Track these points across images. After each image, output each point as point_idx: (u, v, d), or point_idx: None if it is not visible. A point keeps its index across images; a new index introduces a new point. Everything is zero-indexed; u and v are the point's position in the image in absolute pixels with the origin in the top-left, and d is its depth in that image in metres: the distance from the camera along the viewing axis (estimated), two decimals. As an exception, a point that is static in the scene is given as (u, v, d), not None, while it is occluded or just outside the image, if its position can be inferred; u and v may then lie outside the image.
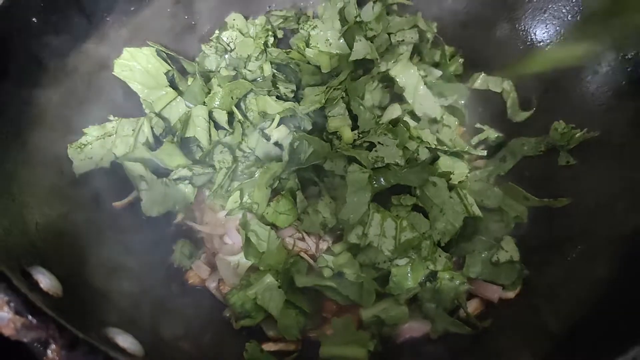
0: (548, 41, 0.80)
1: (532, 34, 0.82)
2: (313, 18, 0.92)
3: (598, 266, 0.60)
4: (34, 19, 0.66)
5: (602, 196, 0.66)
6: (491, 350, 0.61)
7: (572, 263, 0.63)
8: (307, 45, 0.87)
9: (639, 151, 0.64)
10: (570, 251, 0.65)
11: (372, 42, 0.85)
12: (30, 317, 0.40)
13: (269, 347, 0.62)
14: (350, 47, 0.84)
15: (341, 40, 0.85)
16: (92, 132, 0.71)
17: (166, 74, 0.82)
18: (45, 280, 0.47)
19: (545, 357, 0.54)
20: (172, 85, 0.82)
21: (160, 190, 0.70)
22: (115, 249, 0.63)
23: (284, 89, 0.82)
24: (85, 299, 0.52)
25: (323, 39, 0.86)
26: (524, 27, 0.83)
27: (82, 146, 0.69)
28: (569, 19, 0.77)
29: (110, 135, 0.72)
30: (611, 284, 0.56)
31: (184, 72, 0.86)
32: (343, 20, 0.87)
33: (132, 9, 0.80)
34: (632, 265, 0.56)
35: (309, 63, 0.85)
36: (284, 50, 0.84)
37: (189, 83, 0.81)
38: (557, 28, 0.79)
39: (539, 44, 0.81)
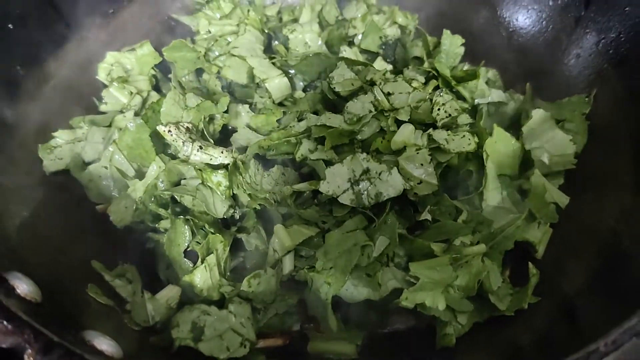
0: (530, 27, 0.79)
1: (514, 20, 0.81)
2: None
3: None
4: (10, 25, 0.66)
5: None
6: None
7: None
8: (287, 48, 0.86)
9: (622, 132, 0.63)
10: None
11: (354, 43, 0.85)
12: (5, 322, 0.40)
13: (258, 344, 0.62)
14: (331, 50, 0.84)
15: (320, 43, 0.85)
16: (62, 136, 0.70)
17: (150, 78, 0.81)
18: (22, 285, 0.46)
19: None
20: (156, 89, 0.81)
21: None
22: (96, 253, 0.62)
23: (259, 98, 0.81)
24: (64, 303, 0.52)
25: (302, 43, 0.85)
26: (505, 14, 0.82)
27: (52, 148, 0.69)
28: (550, 4, 0.77)
29: (80, 141, 0.71)
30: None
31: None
32: (323, 21, 0.87)
33: (110, 11, 0.80)
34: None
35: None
36: (268, 56, 0.83)
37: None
38: (539, 13, 0.79)
39: (521, 31, 0.81)
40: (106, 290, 0.59)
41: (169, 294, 0.59)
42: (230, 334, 0.57)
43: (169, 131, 0.66)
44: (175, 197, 0.65)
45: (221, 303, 0.60)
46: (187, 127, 0.67)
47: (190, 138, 0.66)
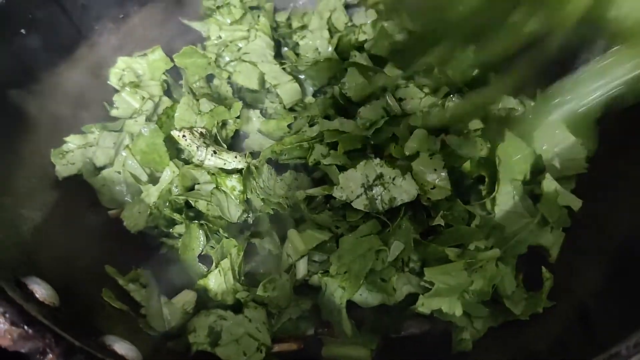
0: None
1: (523, 25, 0.81)
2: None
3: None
4: (22, 30, 0.66)
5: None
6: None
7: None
8: (296, 54, 0.86)
9: (635, 135, 0.64)
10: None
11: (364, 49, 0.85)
12: (26, 327, 0.40)
13: (273, 349, 0.62)
14: (341, 56, 0.84)
15: (330, 49, 0.85)
16: (73, 141, 0.70)
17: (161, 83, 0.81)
18: (41, 290, 0.46)
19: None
20: (167, 94, 0.82)
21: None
22: (110, 257, 0.62)
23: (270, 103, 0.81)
24: (83, 307, 0.52)
25: (312, 49, 0.85)
26: (515, 18, 0.82)
27: (64, 153, 0.69)
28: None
29: (91, 146, 0.71)
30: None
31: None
32: (332, 27, 0.87)
33: (121, 16, 0.80)
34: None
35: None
36: (278, 62, 0.83)
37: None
38: (548, 18, 0.79)
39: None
40: (120, 295, 0.59)
41: (185, 298, 0.60)
42: (246, 339, 0.57)
43: (183, 136, 0.66)
44: (190, 201, 0.65)
45: (237, 308, 0.60)
46: (201, 132, 0.68)
47: (205, 143, 0.66)
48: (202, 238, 0.63)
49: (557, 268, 0.61)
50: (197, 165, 0.66)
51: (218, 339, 0.56)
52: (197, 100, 0.71)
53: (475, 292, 0.59)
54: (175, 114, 0.68)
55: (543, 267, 0.59)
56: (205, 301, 0.61)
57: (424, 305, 0.57)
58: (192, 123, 0.68)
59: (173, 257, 0.65)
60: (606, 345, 0.42)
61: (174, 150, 0.70)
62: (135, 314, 0.58)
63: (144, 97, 0.77)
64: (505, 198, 0.64)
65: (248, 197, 0.65)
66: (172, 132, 0.67)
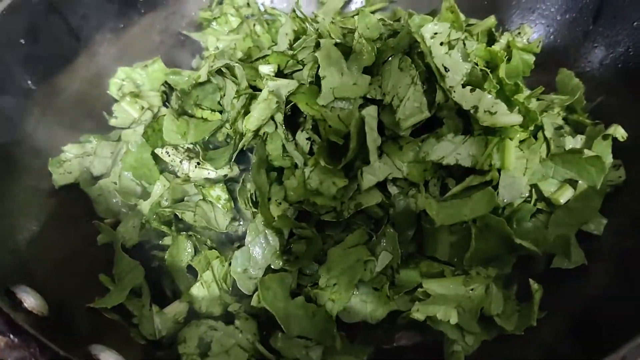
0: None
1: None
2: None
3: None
4: (22, 40, 0.67)
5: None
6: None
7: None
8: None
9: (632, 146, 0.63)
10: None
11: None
12: (12, 336, 0.40)
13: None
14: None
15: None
16: (71, 150, 0.71)
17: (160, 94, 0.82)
18: (30, 299, 0.47)
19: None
20: (166, 104, 0.82)
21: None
22: (104, 267, 0.63)
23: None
24: (73, 316, 0.52)
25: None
26: (513, 28, 0.82)
27: (62, 162, 0.69)
28: (559, 18, 0.77)
29: (89, 155, 0.72)
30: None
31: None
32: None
33: (121, 26, 0.81)
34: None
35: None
36: None
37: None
38: (547, 28, 0.79)
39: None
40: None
41: (177, 309, 0.60)
42: (236, 350, 0.57)
43: (167, 152, 0.66)
44: (177, 214, 0.65)
45: (228, 319, 0.60)
46: (188, 147, 0.68)
47: (189, 156, 0.67)
48: (189, 249, 0.63)
49: (547, 277, 0.60)
50: (184, 180, 0.66)
51: (208, 350, 0.56)
52: (180, 115, 0.70)
53: (467, 309, 0.58)
54: (164, 126, 0.68)
55: (530, 280, 0.58)
56: (197, 312, 0.61)
57: (419, 311, 0.56)
58: (181, 134, 0.68)
59: (164, 269, 0.65)
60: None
61: (164, 162, 0.70)
62: (127, 323, 0.58)
63: (143, 107, 0.78)
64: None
65: (239, 206, 0.64)
66: (156, 150, 0.68)
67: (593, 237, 0.61)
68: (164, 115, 0.68)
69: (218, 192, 0.64)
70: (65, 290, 0.55)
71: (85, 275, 0.61)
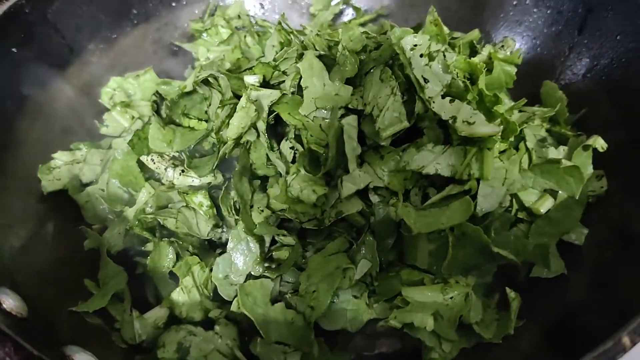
0: (525, 53, 0.80)
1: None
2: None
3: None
4: (14, 49, 0.68)
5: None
6: None
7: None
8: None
9: (614, 158, 0.63)
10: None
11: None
12: (-14, 335, 0.41)
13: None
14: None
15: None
16: (61, 157, 0.72)
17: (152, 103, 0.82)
18: (9, 300, 0.47)
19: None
20: (158, 113, 0.83)
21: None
22: (89, 272, 0.64)
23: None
24: (53, 319, 0.53)
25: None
26: (499, 40, 0.83)
27: (52, 169, 0.70)
28: (545, 31, 0.78)
29: (78, 162, 0.73)
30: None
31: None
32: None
33: (113, 36, 0.83)
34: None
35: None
36: None
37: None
38: (533, 40, 0.80)
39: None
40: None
41: (157, 314, 0.60)
42: (215, 355, 0.57)
43: (152, 159, 0.67)
44: (159, 220, 0.66)
45: (208, 324, 0.60)
46: (174, 155, 0.69)
47: (173, 164, 0.68)
48: (171, 255, 0.64)
49: (528, 286, 0.61)
50: (169, 187, 0.67)
51: (186, 355, 0.56)
52: (167, 123, 0.71)
53: (445, 316, 0.58)
54: (149, 134, 0.69)
55: (507, 288, 0.59)
56: (178, 317, 0.61)
57: (397, 318, 0.57)
58: (167, 142, 0.69)
59: (147, 275, 0.66)
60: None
61: (150, 170, 0.71)
62: (109, 327, 0.59)
63: (133, 117, 0.79)
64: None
65: (223, 214, 0.65)
66: (141, 157, 0.69)
67: (574, 247, 0.62)
68: (150, 123, 0.69)
69: (200, 199, 0.65)
70: (49, 294, 0.56)
71: (70, 279, 0.61)
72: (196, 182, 0.67)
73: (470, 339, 0.59)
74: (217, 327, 0.59)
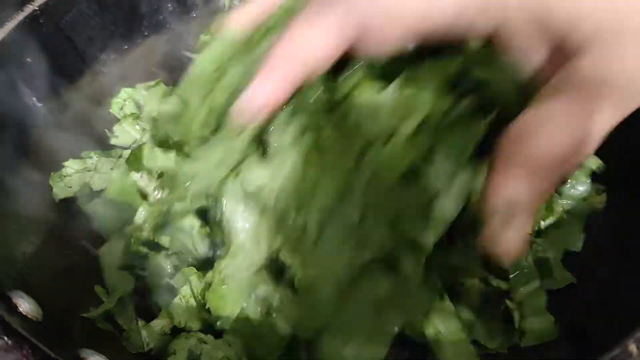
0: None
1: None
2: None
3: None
4: (29, 59, 0.70)
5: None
6: None
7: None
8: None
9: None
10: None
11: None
12: (6, 338, 0.42)
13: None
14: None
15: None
16: (72, 166, 0.72)
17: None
18: (25, 304, 0.48)
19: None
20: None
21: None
22: (100, 278, 0.65)
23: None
24: (66, 324, 0.53)
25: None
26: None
27: (63, 177, 0.71)
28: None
29: (89, 170, 0.73)
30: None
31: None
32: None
33: (125, 47, 0.84)
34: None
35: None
36: None
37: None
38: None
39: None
40: (107, 315, 0.60)
41: (163, 322, 0.61)
42: (225, 363, 0.58)
43: (141, 176, 0.68)
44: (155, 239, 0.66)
45: (218, 332, 0.61)
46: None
47: (161, 185, 0.68)
48: (169, 268, 0.65)
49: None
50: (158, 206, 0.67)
51: (197, 362, 0.57)
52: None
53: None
54: (144, 153, 0.68)
55: (507, 300, 0.59)
56: (178, 327, 0.62)
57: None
58: (162, 162, 0.68)
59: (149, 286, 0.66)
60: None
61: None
62: (119, 333, 0.59)
63: (144, 129, 0.79)
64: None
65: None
66: (131, 174, 0.68)
67: (577, 254, 0.63)
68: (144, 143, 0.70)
69: (190, 222, 0.64)
70: (61, 299, 0.57)
71: (82, 285, 0.62)
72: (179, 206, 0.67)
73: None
74: (225, 335, 0.59)
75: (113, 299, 0.61)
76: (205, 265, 0.66)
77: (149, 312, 0.64)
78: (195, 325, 0.61)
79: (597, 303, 0.57)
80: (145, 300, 0.66)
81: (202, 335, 0.59)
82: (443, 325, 0.56)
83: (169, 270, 0.65)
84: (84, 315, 0.57)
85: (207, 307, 0.61)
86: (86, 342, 0.52)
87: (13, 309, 0.47)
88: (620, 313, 0.52)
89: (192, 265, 0.64)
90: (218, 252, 0.67)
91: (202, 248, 0.65)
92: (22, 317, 0.47)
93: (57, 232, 0.67)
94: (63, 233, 0.67)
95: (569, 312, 0.59)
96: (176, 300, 0.62)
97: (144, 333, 0.59)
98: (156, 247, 0.66)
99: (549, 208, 0.63)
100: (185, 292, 0.62)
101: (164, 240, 0.65)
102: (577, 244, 0.63)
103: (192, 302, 0.62)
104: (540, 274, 0.61)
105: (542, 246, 0.62)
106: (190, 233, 0.65)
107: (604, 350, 0.42)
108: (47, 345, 0.43)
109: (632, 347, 0.42)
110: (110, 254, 0.67)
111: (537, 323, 0.58)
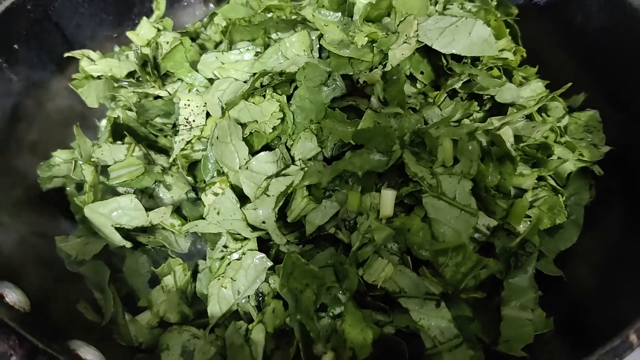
0: None
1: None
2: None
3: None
4: (15, 46, 0.68)
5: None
6: None
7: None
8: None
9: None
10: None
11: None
12: (-8, 329, 0.41)
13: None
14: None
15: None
16: (60, 155, 0.71)
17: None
18: (12, 294, 0.47)
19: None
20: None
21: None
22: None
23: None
24: (55, 315, 0.52)
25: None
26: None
27: (50, 166, 0.70)
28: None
29: (77, 161, 0.71)
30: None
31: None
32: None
33: (114, 35, 0.83)
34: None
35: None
36: None
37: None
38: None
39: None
40: (96, 307, 0.59)
41: (148, 316, 0.60)
42: (217, 359, 0.57)
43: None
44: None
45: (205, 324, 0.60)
46: None
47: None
48: (146, 263, 0.64)
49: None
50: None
51: (191, 359, 0.56)
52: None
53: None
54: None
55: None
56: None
57: (394, 322, 0.57)
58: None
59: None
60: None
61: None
62: (109, 324, 0.58)
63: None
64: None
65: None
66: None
67: (578, 246, 0.63)
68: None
69: (170, 221, 0.65)
70: (50, 290, 0.56)
71: (71, 276, 0.61)
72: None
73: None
74: (217, 330, 0.59)
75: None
76: (187, 257, 0.66)
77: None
78: (173, 317, 0.60)
79: (597, 294, 0.57)
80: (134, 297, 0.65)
81: (195, 330, 0.58)
82: (439, 331, 0.56)
83: (146, 265, 0.65)
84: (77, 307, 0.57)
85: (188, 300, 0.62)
86: (77, 333, 0.51)
87: (0, 299, 0.46)
88: (621, 304, 0.52)
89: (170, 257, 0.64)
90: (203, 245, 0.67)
91: (185, 244, 0.67)
92: (9, 308, 0.46)
93: (44, 221, 0.65)
94: (50, 222, 0.66)
95: (563, 307, 0.58)
96: (158, 288, 0.61)
97: (131, 328, 0.58)
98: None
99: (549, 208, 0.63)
100: (168, 281, 0.61)
101: (142, 237, 0.65)
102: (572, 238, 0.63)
103: (174, 293, 0.61)
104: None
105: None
106: (171, 232, 0.66)
107: (605, 341, 0.42)
108: (35, 337, 0.41)
109: (633, 337, 0.42)
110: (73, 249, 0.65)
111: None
